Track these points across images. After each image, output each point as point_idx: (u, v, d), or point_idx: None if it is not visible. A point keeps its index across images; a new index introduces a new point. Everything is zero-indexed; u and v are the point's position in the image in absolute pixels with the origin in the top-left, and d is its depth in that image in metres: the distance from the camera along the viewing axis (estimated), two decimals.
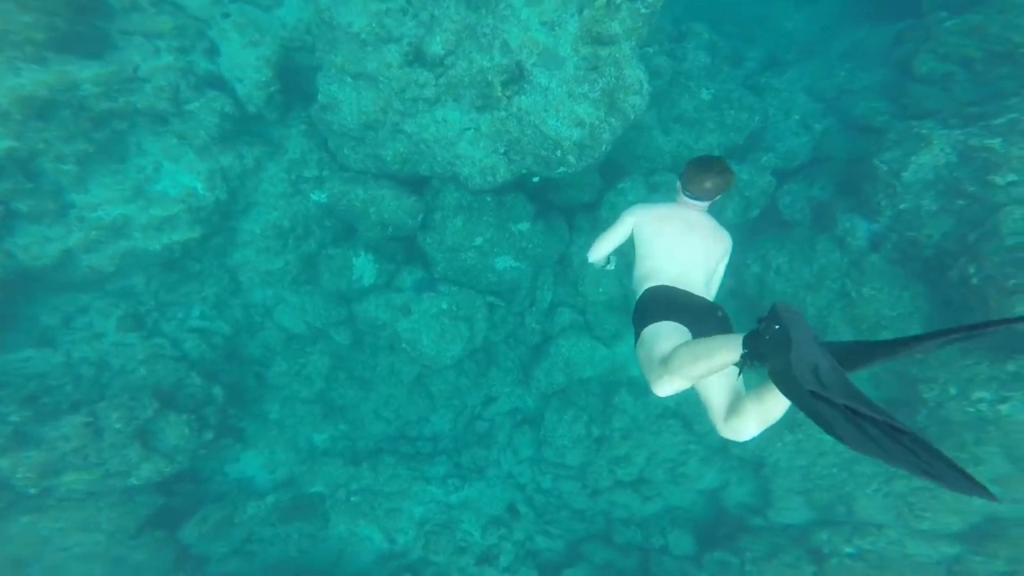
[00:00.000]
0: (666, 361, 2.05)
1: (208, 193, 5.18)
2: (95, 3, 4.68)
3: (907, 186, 4.85)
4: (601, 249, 2.98)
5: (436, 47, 4.70)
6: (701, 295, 2.56)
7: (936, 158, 4.77)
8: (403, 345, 5.90)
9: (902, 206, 4.91)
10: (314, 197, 5.38)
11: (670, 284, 2.56)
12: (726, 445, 6.36)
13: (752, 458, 6.24)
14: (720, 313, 2.46)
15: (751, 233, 6.16)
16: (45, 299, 5.33)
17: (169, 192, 5.18)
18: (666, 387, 2.06)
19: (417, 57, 4.79)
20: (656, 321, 2.37)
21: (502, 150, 4.96)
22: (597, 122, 4.77)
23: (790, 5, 8.53)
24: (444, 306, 5.80)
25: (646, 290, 2.57)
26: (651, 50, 5.97)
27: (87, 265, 5.23)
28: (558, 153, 4.88)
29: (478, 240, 5.60)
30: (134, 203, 5.17)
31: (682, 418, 6.39)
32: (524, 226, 5.71)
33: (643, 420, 6.40)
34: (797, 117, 6.34)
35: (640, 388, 6.41)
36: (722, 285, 2.91)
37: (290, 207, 5.48)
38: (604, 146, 4.86)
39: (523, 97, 4.77)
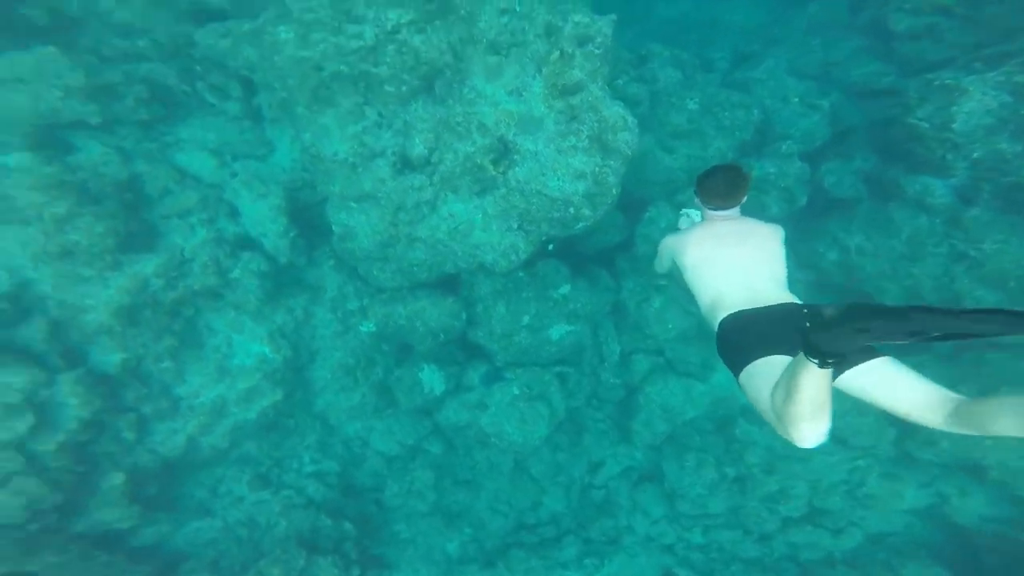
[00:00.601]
0: (778, 414, 1.71)
1: (276, 355, 5.48)
2: (138, 198, 5.10)
3: (967, 135, 4.30)
4: (661, 268, 2.93)
5: (419, 149, 4.70)
6: (778, 301, 2.24)
7: (984, 103, 4.30)
8: (491, 439, 5.70)
9: (975, 155, 4.34)
10: (363, 329, 5.51)
11: (742, 308, 2.24)
12: (907, 452, 5.32)
13: (958, 462, 5.18)
14: (806, 310, 2.16)
15: (807, 221, 5.51)
16: (190, 478, 5.81)
17: (245, 363, 5.55)
18: (803, 438, 1.65)
19: (405, 164, 4.82)
20: (750, 361, 2.04)
21: (515, 226, 4.76)
22: (596, 169, 4.43)
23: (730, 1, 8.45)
24: (515, 391, 5.55)
25: (721, 323, 2.28)
26: (620, 81, 5.62)
27: (208, 445, 5.66)
28: (571, 211, 4.57)
29: (525, 319, 5.35)
30: (223, 382, 5.59)
31: (829, 434, 5.48)
32: (565, 289, 5.38)
33: (781, 448, 5.58)
34: (796, 99, 5.84)
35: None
36: (800, 280, 2.58)
37: (347, 344, 5.64)
38: (613, 188, 4.49)
39: (517, 168, 4.59)
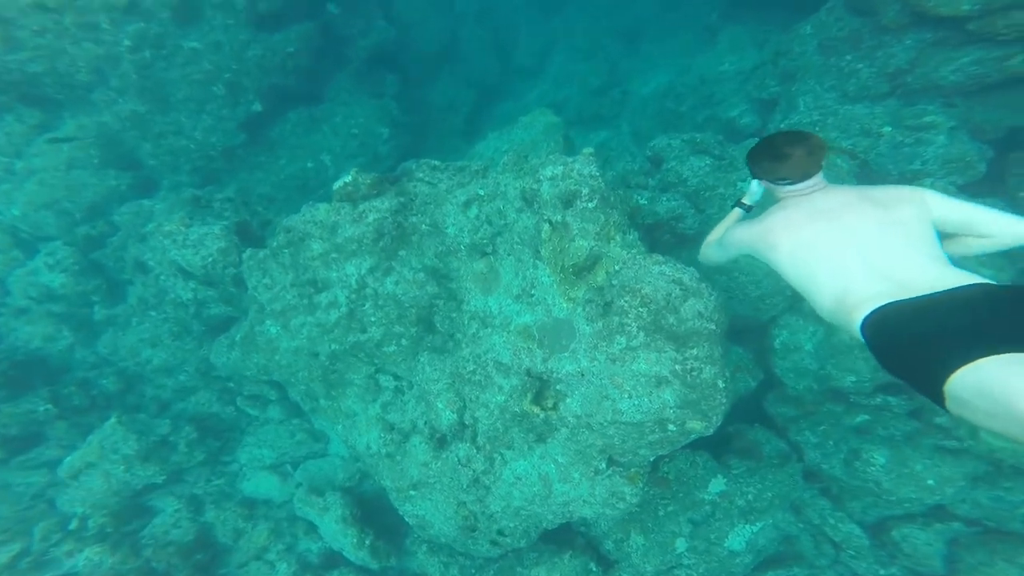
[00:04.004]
0: None
1: None
2: (211, 555, 4.40)
3: None
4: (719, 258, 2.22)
5: (447, 415, 3.33)
6: (953, 283, 1.40)
7: None
8: None
9: None
10: None
11: (892, 299, 1.43)
12: None
13: None
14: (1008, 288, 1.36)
15: None
16: None
17: None
18: None
19: (441, 437, 3.47)
20: (953, 369, 1.22)
21: (604, 466, 3.04)
22: (677, 367, 2.59)
23: (697, 43, 7.18)
24: None
25: (867, 325, 1.44)
26: (644, 201, 3.67)
27: None
28: (671, 428, 2.75)
29: (680, 543, 3.47)
30: None
31: None
32: (719, 485, 3.42)
33: None
34: (888, 128, 4.00)
35: None
36: None
37: None
38: (718, 382, 2.58)
39: (568, 400, 2.93)
